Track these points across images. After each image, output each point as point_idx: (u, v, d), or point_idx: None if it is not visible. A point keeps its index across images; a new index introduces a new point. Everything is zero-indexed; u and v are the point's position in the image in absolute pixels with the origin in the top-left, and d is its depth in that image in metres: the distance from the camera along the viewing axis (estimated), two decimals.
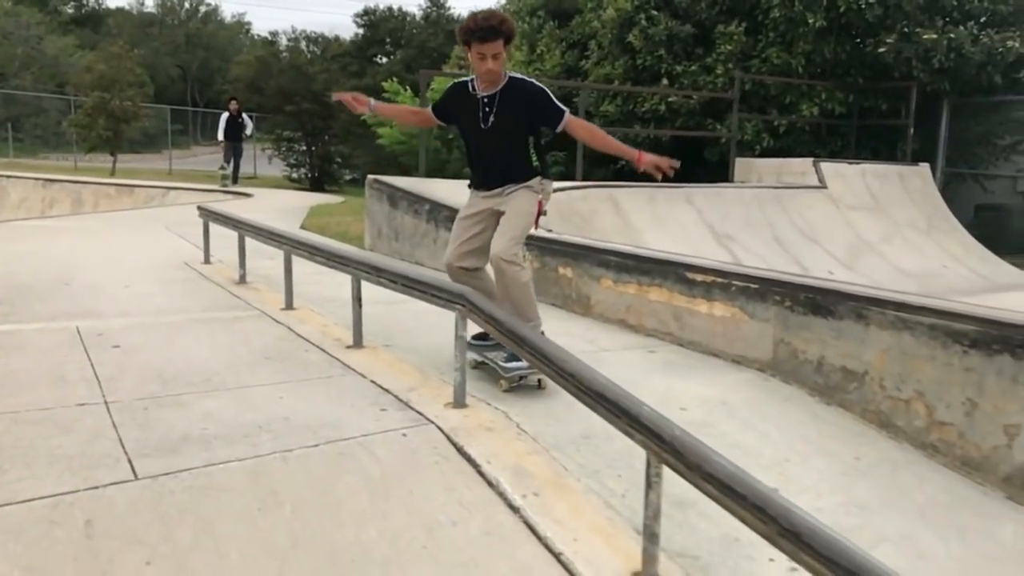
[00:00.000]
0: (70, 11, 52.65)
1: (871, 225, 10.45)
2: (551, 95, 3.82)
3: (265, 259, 6.58)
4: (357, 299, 4.40)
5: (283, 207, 13.42)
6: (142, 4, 54.73)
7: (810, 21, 11.24)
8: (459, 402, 3.56)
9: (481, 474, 3.06)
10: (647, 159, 3.66)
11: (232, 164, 18.06)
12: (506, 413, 3.56)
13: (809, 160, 10.81)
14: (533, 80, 3.94)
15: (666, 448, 2.41)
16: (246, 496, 2.77)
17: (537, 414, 3.59)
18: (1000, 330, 3.36)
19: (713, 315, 4.68)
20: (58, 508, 2.57)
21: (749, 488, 2.18)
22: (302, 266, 5.37)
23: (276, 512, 2.70)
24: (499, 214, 3.88)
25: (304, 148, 23.53)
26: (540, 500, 2.92)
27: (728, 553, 2.74)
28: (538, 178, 3.91)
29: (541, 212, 3.93)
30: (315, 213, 12.88)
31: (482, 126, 3.81)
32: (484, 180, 3.97)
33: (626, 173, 13.12)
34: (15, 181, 17.81)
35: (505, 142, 3.84)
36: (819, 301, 4.08)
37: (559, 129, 3.81)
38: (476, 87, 3.82)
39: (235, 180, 17.91)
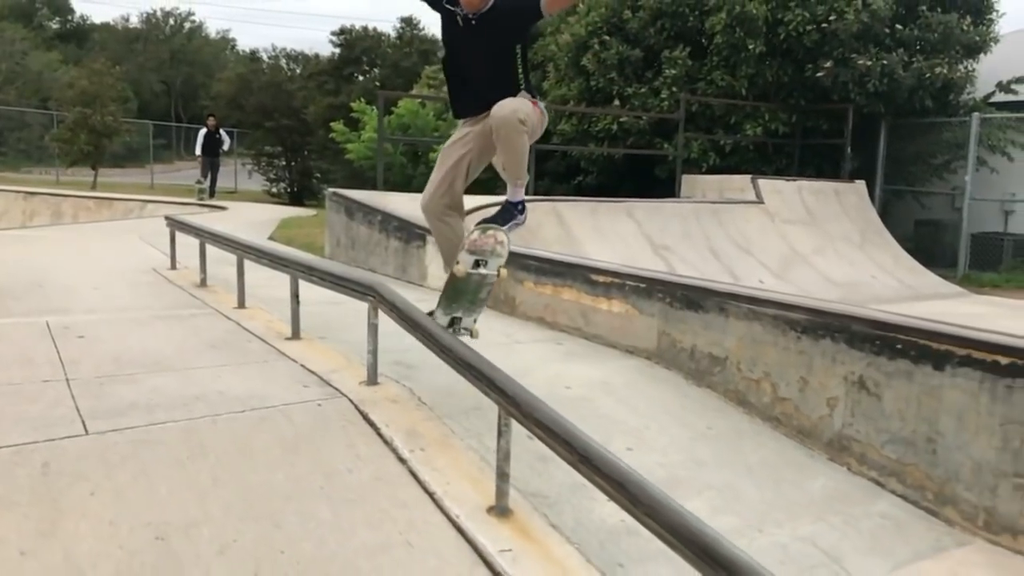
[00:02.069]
0: (55, 26, 53.20)
1: (805, 238, 11.15)
2: None
3: (227, 266, 7.14)
4: (295, 296, 5.01)
5: (255, 219, 13.97)
6: (127, 20, 55.40)
7: (751, 47, 11.99)
8: (371, 380, 4.17)
9: (379, 435, 3.67)
10: None
11: (210, 179, 18.62)
12: (411, 389, 4.17)
13: (748, 177, 11.52)
14: None
15: (509, 402, 3.03)
16: (178, 448, 3.36)
17: (438, 389, 4.19)
18: (822, 318, 4.01)
19: (612, 311, 5.32)
20: (20, 454, 3.16)
21: (561, 428, 2.80)
22: (261, 272, 5.92)
23: (202, 460, 3.30)
24: (486, 133, 3.70)
25: (283, 163, 24.21)
26: (425, 454, 3.53)
27: (574, 495, 3.35)
28: (525, 93, 3.71)
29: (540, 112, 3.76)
30: (285, 225, 13.46)
31: (460, 35, 3.65)
32: (465, 106, 3.84)
33: (585, 189, 13.82)
34: None
35: (484, 63, 3.67)
36: (692, 297, 4.73)
37: (544, 8, 3.53)
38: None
39: (212, 194, 18.46)
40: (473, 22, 3.59)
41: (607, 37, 12.85)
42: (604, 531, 3.15)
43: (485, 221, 3.80)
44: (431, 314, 3.97)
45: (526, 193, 3.98)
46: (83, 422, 3.49)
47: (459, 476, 3.40)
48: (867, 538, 3.36)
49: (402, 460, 3.47)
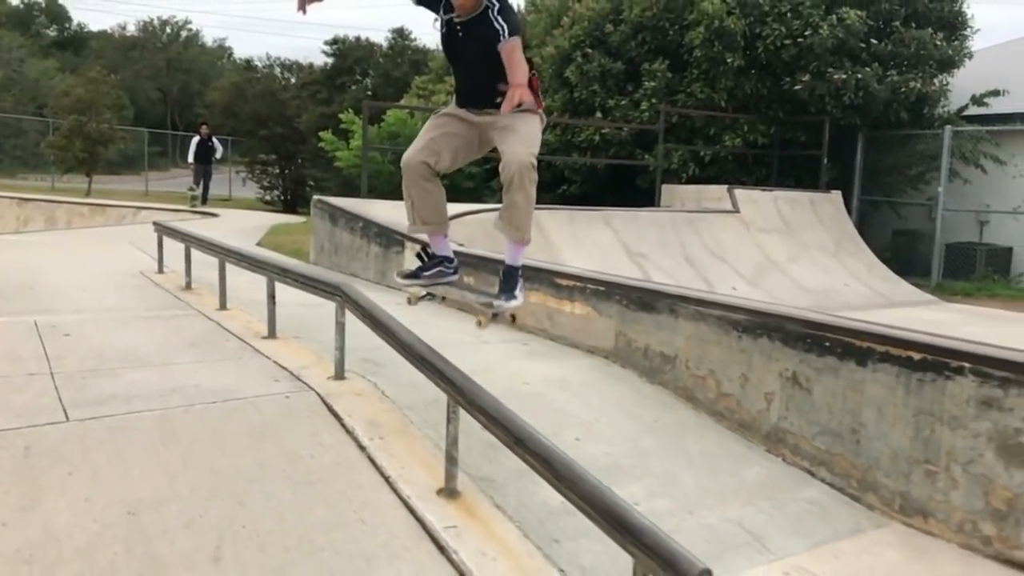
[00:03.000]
0: (52, 34, 53.51)
1: (780, 246, 11.42)
2: (500, 25, 3.37)
3: (213, 270, 7.39)
4: (271, 296, 5.27)
5: (245, 226, 14.24)
6: (124, 28, 55.75)
7: (729, 60, 12.30)
8: (339, 375, 4.44)
9: (342, 424, 3.93)
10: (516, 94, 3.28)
11: (202, 186, 18.92)
12: (375, 383, 4.44)
13: (724, 187, 11.81)
14: (495, 13, 3.41)
15: (456, 391, 3.30)
16: (152, 434, 3.62)
17: (402, 384, 4.45)
18: (760, 318, 4.28)
19: (574, 313, 5.59)
20: (4, 438, 3.41)
21: (500, 413, 3.07)
22: (245, 277, 6.13)
23: (174, 445, 3.56)
24: (485, 135, 3.65)
25: (277, 171, 24.47)
26: (384, 442, 3.79)
27: (519, 479, 3.60)
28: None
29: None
30: (274, 231, 13.73)
31: (451, 40, 3.57)
32: (467, 98, 3.69)
33: (569, 198, 14.10)
34: None
35: (479, 65, 3.52)
36: (646, 299, 5.00)
37: (499, 48, 3.36)
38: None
39: (205, 201, 18.75)
40: (460, 32, 3.51)
41: (590, 50, 13.16)
42: (544, 512, 3.41)
43: (496, 297, 3.73)
44: (414, 276, 3.81)
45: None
46: (65, 410, 3.75)
47: (413, 461, 3.66)
48: (792, 520, 3.62)
49: (361, 447, 3.73)
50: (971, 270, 12.92)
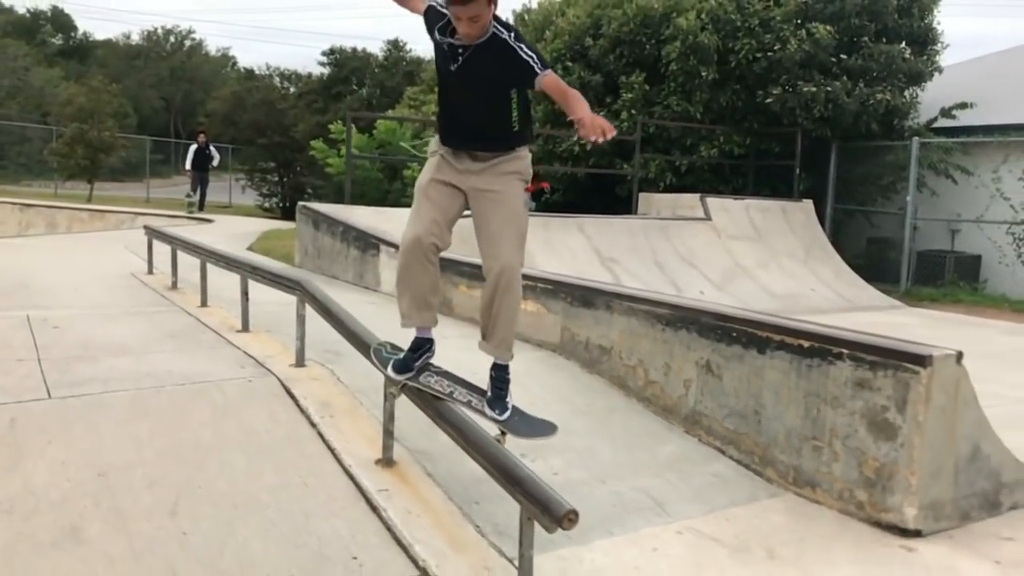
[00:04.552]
0: (58, 43, 54.28)
1: (750, 253, 11.85)
2: (528, 55, 3.20)
3: (199, 272, 7.86)
4: (244, 293, 5.72)
5: (238, 231, 14.70)
6: (128, 37, 56.54)
7: (704, 74, 12.77)
8: (299, 362, 4.88)
9: (297, 405, 4.37)
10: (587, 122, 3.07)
11: (199, 193, 19.42)
12: (332, 370, 4.88)
13: (698, 195, 12.26)
14: (514, 41, 3.21)
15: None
16: (125, 410, 4.07)
17: (357, 372, 4.87)
18: (680, 312, 4.72)
19: (527, 310, 6.02)
20: None
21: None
22: (228, 279, 6.52)
23: (143, 420, 4.00)
24: (465, 195, 3.45)
25: (276, 179, 25.03)
26: (333, 420, 4.23)
27: (453, 453, 4.00)
28: (524, 148, 3.46)
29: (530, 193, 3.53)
30: (266, 237, 14.19)
31: (451, 67, 3.31)
32: (454, 135, 3.46)
33: (553, 206, 14.56)
34: None
35: (477, 98, 3.33)
36: (586, 297, 5.44)
37: (538, 85, 3.20)
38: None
39: (202, 207, 19.23)
40: (460, 59, 3.26)
41: (570, 63, 13.66)
42: (470, 479, 3.83)
43: (491, 407, 3.59)
44: (406, 369, 3.71)
45: None
46: (48, 389, 4.20)
47: (358, 436, 4.10)
48: (695, 490, 4.04)
49: (312, 424, 4.17)
50: (940, 276, 13.32)
